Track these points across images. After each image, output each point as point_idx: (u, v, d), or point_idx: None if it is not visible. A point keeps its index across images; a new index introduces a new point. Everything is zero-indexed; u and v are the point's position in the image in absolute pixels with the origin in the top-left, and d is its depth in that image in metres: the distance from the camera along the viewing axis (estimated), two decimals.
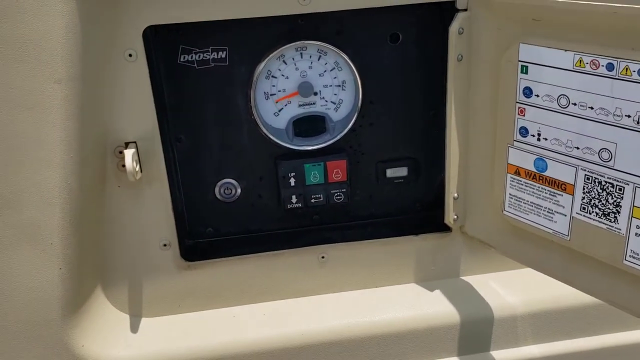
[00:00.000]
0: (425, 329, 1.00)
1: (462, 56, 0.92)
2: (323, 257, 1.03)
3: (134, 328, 0.98)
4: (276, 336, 0.99)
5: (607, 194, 0.79)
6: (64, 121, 0.80)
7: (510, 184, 0.91)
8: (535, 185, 0.88)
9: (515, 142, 0.88)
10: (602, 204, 0.80)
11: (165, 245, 0.97)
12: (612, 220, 0.79)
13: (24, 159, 0.81)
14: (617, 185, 0.77)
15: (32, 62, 0.77)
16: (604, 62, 0.75)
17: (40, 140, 0.81)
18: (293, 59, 0.94)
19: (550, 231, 0.88)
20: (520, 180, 0.90)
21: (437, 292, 1.04)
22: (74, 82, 0.79)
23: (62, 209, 0.84)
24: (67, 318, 0.90)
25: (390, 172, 1.03)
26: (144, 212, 0.95)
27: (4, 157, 0.81)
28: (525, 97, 0.85)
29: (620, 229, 0.79)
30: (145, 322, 0.99)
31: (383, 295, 1.04)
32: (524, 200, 0.90)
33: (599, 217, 0.81)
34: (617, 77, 0.74)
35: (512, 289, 1.05)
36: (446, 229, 1.03)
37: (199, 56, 0.92)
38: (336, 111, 0.98)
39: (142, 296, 0.99)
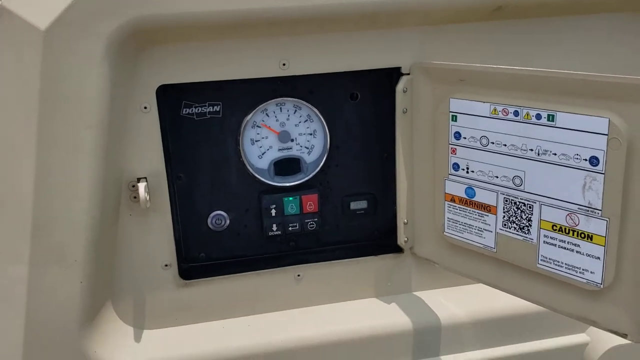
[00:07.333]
0: (383, 337, 1.17)
1: (406, 109, 1.14)
2: (299, 276, 1.19)
3: (137, 338, 1.12)
4: (259, 344, 1.14)
5: (521, 211, 1.01)
6: (92, 159, 0.98)
7: (448, 209, 1.12)
8: (467, 209, 1.09)
9: (450, 176, 1.10)
10: (518, 219, 1.01)
11: (166, 265, 1.13)
12: (526, 232, 1.01)
13: (59, 190, 0.98)
14: (527, 204, 0.99)
15: (71, 112, 0.95)
16: (511, 109, 0.97)
17: (72, 175, 0.98)
18: (274, 112, 1.14)
19: (481, 246, 1.08)
20: (456, 206, 1.11)
21: (393, 304, 1.21)
22: (102, 128, 0.98)
23: (85, 232, 1.00)
24: (83, 327, 1.05)
25: (353, 205, 1.21)
26: (149, 237, 1.11)
27: (43, 188, 0.97)
28: (456, 139, 1.07)
29: (532, 239, 1.00)
30: (146, 333, 1.14)
31: (348, 308, 1.21)
32: (459, 222, 1.11)
33: (517, 231, 1.02)
34: (521, 120, 0.97)
35: (456, 302, 1.22)
36: (399, 250, 1.21)
37: (198, 109, 1.10)
38: (309, 154, 1.17)
39: (144, 310, 1.14)
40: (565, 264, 0.96)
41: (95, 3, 0.93)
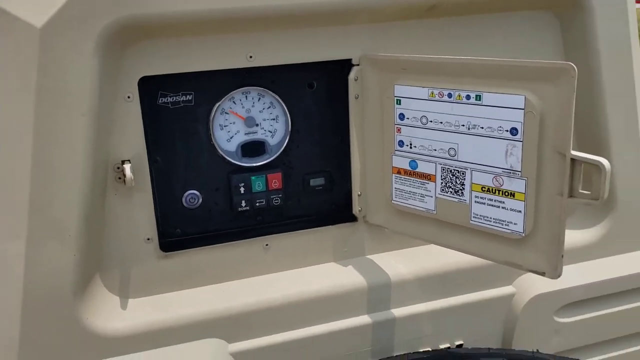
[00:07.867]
0: (342, 295, 1.32)
1: (357, 96, 1.30)
2: (267, 245, 1.33)
3: (123, 306, 1.24)
4: (232, 307, 1.27)
5: (455, 177, 1.19)
6: (84, 143, 1.10)
7: (395, 180, 1.30)
8: (411, 179, 1.27)
9: (396, 151, 1.27)
10: (453, 184, 1.20)
11: (148, 239, 1.25)
12: (460, 194, 1.20)
13: (54, 172, 1.09)
14: (461, 171, 1.18)
15: (66, 101, 1.07)
16: (446, 92, 1.15)
17: (66, 158, 1.09)
18: (241, 99, 1.27)
19: (423, 209, 1.26)
20: (401, 177, 1.29)
21: (350, 267, 1.37)
22: (92, 116, 1.09)
23: (78, 209, 1.12)
24: (76, 296, 1.16)
25: (312, 182, 1.35)
26: (132, 214, 1.22)
27: (40, 170, 1.08)
28: (400, 120, 1.24)
29: (465, 200, 1.19)
30: (131, 301, 1.25)
31: (311, 272, 1.36)
32: (405, 191, 1.29)
33: (452, 194, 1.21)
34: (454, 101, 1.15)
35: (403, 262, 1.39)
36: (354, 219, 1.38)
37: (173, 98, 1.22)
38: (272, 137, 1.31)
39: (129, 280, 1.25)
40: (493, 218, 1.15)
41: (86, 3, 1.05)
